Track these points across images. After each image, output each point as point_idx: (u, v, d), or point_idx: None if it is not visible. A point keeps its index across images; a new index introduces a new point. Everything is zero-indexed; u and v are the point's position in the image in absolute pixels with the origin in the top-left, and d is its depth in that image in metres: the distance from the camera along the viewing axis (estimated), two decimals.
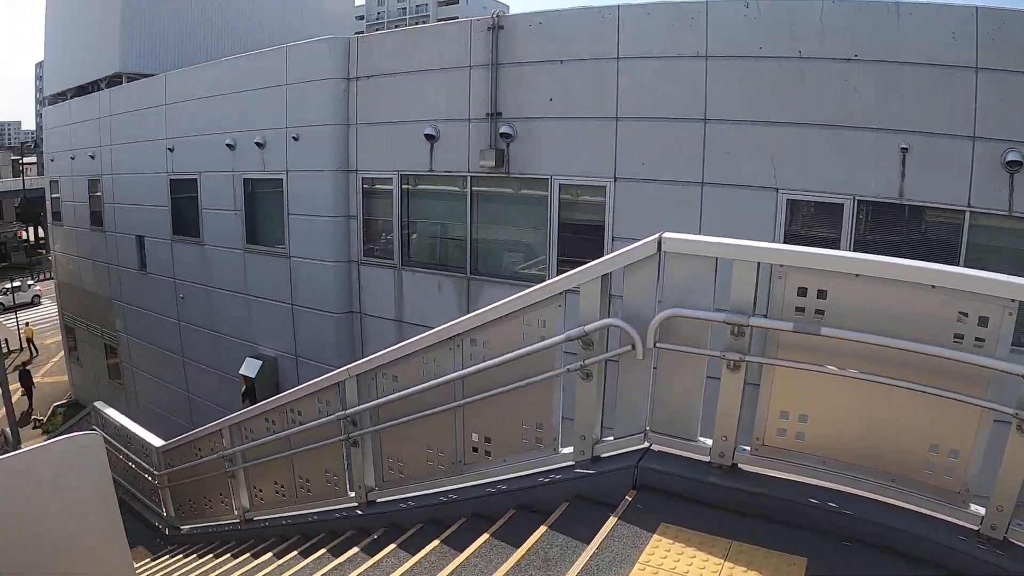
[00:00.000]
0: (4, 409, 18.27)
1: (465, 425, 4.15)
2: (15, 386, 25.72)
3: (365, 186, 11.81)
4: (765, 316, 2.90)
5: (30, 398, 25.59)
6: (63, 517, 1.53)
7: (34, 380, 26.49)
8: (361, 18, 23.26)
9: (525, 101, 9.95)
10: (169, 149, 15.83)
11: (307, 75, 12.39)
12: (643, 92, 8.89)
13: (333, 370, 4.76)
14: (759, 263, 2.87)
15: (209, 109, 14.78)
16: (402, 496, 4.74)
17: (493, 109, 10.03)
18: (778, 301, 2.87)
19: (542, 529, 3.32)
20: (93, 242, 20.35)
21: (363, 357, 4.78)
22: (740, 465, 3.13)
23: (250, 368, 13.85)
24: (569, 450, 3.73)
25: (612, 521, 3.02)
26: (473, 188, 10.58)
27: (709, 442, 3.20)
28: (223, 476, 6.83)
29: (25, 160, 58.11)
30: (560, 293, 3.51)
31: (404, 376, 4.40)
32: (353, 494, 5.16)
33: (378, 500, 4.95)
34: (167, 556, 7.80)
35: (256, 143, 13.01)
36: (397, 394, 4.42)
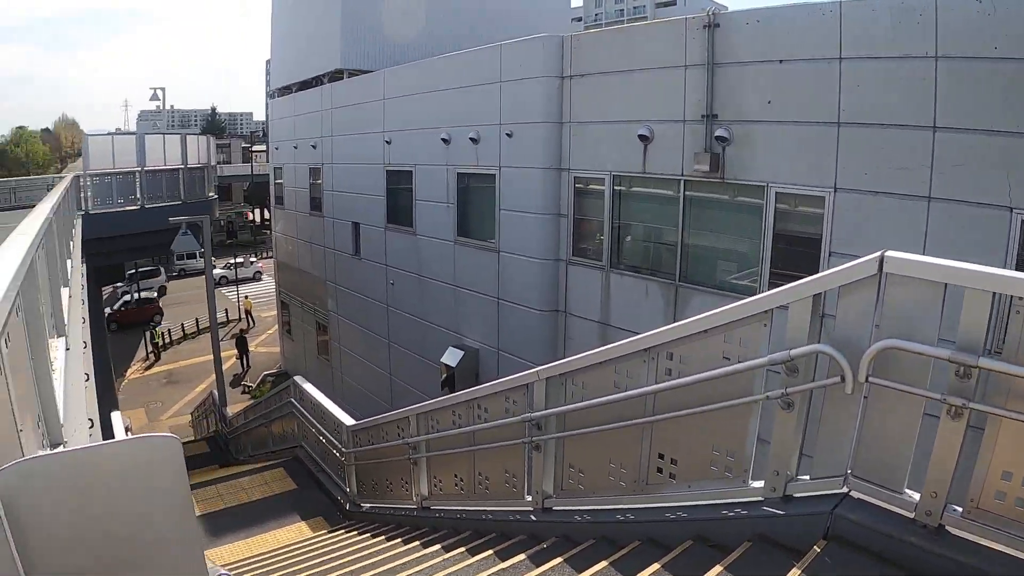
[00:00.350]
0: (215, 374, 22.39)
1: (652, 443, 4.40)
2: (231, 352, 31.82)
3: (577, 185, 13.18)
4: (998, 357, 2.79)
5: (244, 363, 31.69)
6: (131, 518, 1.72)
7: (249, 348, 32.45)
8: (579, 20, 25.40)
9: (742, 103, 10.55)
10: (387, 141, 18.66)
11: (521, 73, 13.91)
12: (866, 95, 9.17)
13: (533, 367, 5.34)
14: (995, 293, 2.78)
15: (425, 104, 17.09)
16: (578, 508, 5.11)
17: (708, 111, 10.84)
18: (1015, 340, 2.76)
19: (718, 569, 3.40)
20: (311, 226, 24.37)
21: (564, 356, 5.45)
22: (947, 527, 3.05)
23: (452, 357, 15.99)
24: (759, 484, 3.81)
25: (796, 573, 3.08)
26: (686, 192, 11.44)
27: (916, 496, 3.14)
28: (406, 462, 7.84)
29: (255, 148, 73.08)
30: (766, 311, 3.63)
31: (594, 384, 4.77)
32: (530, 498, 5.62)
33: (554, 508, 5.38)
34: (343, 531, 9.00)
35: (471, 138, 15.11)
36: (585, 402, 4.80)
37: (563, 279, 13.78)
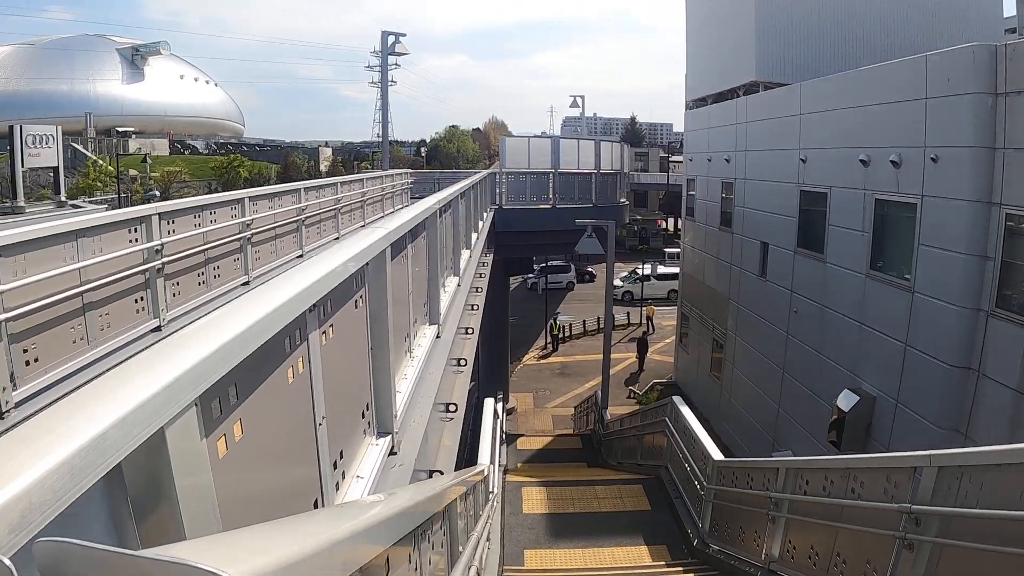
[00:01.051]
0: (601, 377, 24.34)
1: None
2: (628, 354, 35.24)
3: (1009, 223, 12.11)
4: None
5: (641, 363, 34.58)
6: None
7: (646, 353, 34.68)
8: (1012, 31, 22.56)
9: None
10: (801, 160, 18.69)
11: (947, 88, 13.11)
12: None
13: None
14: None
15: (842, 121, 16.83)
16: None
17: None
18: None
19: None
20: (719, 241, 25.44)
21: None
22: None
23: (845, 401, 15.61)
24: None
25: None
26: None
27: None
28: (764, 515, 7.85)
29: (672, 158, 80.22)
30: None
31: (1000, 487, 4.26)
32: None
33: None
34: (680, 570, 9.40)
35: (891, 161, 14.58)
36: (984, 511, 4.31)
37: (981, 332, 12.75)
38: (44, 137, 30.12)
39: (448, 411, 7.52)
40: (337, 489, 3.38)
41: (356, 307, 3.83)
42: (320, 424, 3.05)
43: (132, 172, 65.06)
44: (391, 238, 4.26)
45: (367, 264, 3.96)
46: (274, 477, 2.64)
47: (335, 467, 3.34)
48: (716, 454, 10.79)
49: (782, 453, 15.22)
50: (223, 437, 2.04)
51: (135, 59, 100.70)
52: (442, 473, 5.85)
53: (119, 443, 1.23)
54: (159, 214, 7.50)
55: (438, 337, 7.36)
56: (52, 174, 33.32)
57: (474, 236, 14.34)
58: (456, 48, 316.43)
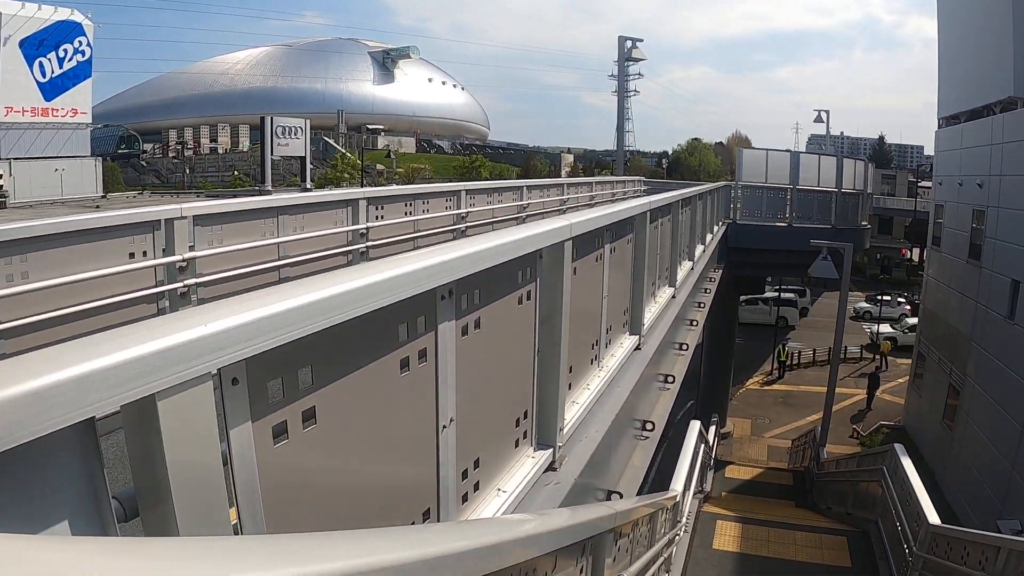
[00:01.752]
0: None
1: None
2: (857, 390, 32.55)
3: None
4: None
5: (869, 401, 31.53)
6: None
7: (876, 391, 31.82)
8: None
9: None
10: None
11: None
12: None
13: None
14: None
15: None
16: None
17: None
18: None
19: None
20: (966, 275, 22.74)
21: None
22: None
23: None
24: None
25: None
26: None
27: None
28: None
29: (921, 183, 72.69)
30: None
31: None
32: None
33: None
34: None
35: None
36: None
37: None
38: (293, 129, 32.60)
39: (644, 429, 6.96)
40: (464, 501, 2.94)
41: (520, 303, 3.40)
42: (446, 427, 2.64)
43: (379, 167, 69.52)
44: (572, 231, 3.72)
45: (540, 256, 3.44)
46: (365, 479, 2.27)
47: (464, 476, 2.92)
48: (932, 516, 9.65)
49: (1009, 523, 13.00)
50: (285, 423, 1.78)
51: (386, 62, 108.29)
52: (621, 496, 5.37)
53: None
54: (367, 199, 7.42)
55: (638, 349, 6.73)
56: (299, 163, 36.14)
57: (699, 248, 13.47)
58: (701, 60, 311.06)
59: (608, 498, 5.37)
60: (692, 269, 11.87)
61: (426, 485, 2.59)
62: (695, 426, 12.65)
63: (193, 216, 5.98)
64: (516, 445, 3.55)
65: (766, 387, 36.66)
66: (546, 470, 3.79)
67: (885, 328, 42.49)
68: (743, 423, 30.90)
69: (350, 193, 7.63)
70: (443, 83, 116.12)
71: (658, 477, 12.20)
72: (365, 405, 2.14)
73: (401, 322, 2.29)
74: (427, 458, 2.58)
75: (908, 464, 11.53)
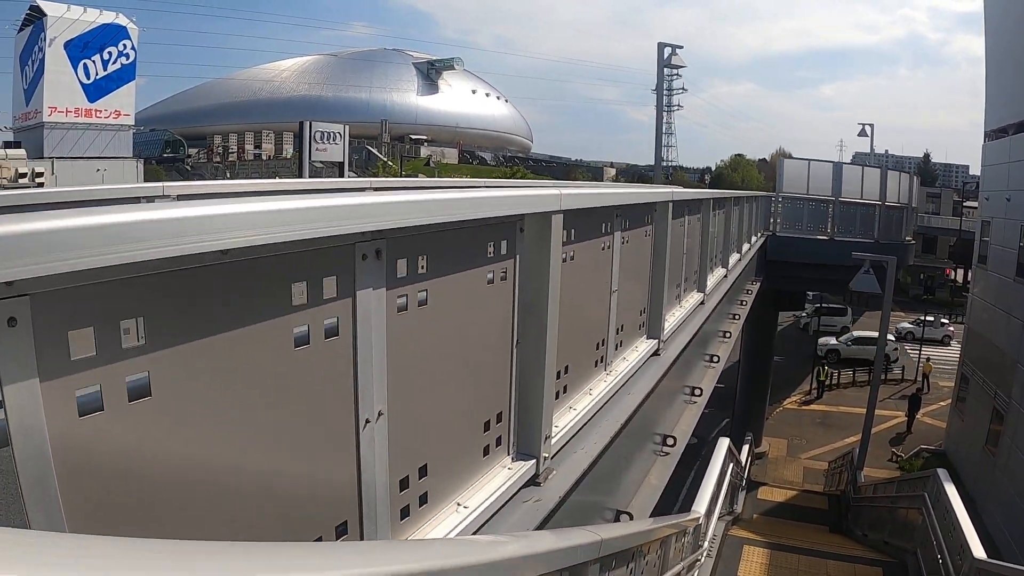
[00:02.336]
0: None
1: None
2: (897, 412, 31.57)
3: None
4: None
5: (910, 424, 30.47)
6: None
7: (917, 413, 30.79)
8: None
9: None
10: None
11: None
12: None
13: None
14: None
15: None
16: None
17: None
18: None
19: None
20: (1013, 294, 21.84)
21: None
22: None
23: None
24: None
25: None
26: None
27: None
28: None
29: (966, 203, 70.65)
30: None
31: None
32: None
33: None
34: None
35: None
36: None
37: None
38: (332, 134, 32.44)
39: (664, 444, 6.41)
40: (404, 517, 2.38)
41: (491, 283, 2.80)
42: (370, 421, 2.09)
43: (420, 176, 70.13)
44: (563, 203, 3.17)
45: (520, 229, 2.86)
46: (236, 480, 1.71)
47: (403, 486, 2.36)
48: (977, 549, 8.91)
49: None
50: (99, 390, 1.33)
51: (430, 73, 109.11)
52: (631, 517, 4.84)
53: None
54: (373, 188, 6.92)
55: (656, 354, 6.12)
56: (338, 169, 36.07)
57: (734, 257, 12.86)
58: (745, 75, 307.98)
59: (616, 519, 4.78)
60: (725, 277, 11.28)
61: (340, 493, 2.05)
62: (723, 444, 12.02)
63: (177, 195, 5.61)
64: (486, 453, 2.96)
65: (804, 407, 35.62)
66: (526, 484, 3.20)
67: (829, 340, 42.81)
68: (779, 443, 30.04)
69: (356, 182, 7.18)
70: (486, 95, 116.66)
71: (689, 497, 11.54)
72: (233, 383, 1.63)
73: (296, 279, 1.75)
74: (341, 459, 2.04)
75: (952, 491, 10.76)
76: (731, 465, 12.41)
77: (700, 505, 9.01)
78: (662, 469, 6.21)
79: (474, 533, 2.66)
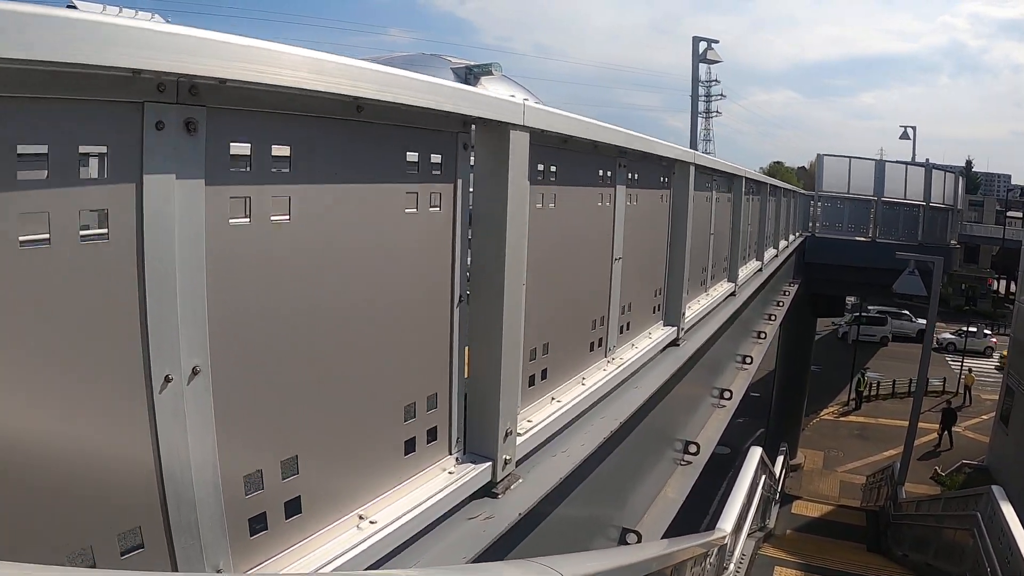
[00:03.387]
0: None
1: None
2: (934, 425, 30.07)
3: None
4: None
5: (948, 440, 29.40)
6: None
7: (955, 427, 29.79)
8: None
9: None
10: None
11: None
12: None
13: None
14: None
15: None
16: None
17: None
18: None
19: None
20: None
21: None
22: None
23: None
24: None
25: None
26: None
27: None
28: None
29: (1010, 213, 68.85)
30: None
31: None
32: None
33: None
34: None
35: None
36: None
37: None
38: None
39: (685, 452, 5.71)
40: (256, 532, 1.63)
41: (414, 206, 1.95)
42: (171, 380, 1.37)
43: None
44: (527, 117, 2.41)
45: (464, 146, 2.09)
46: None
47: (253, 488, 1.63)
48: None
49: None
50: None
51: (468, 78, 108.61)
52: (639, 537, 4.10)
53: None
54: None
55: (675, 344, 5.31)
56: None
57: (769, 251, 12.00)
58: (784, 84, 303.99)
59: (622, 539, 4.07)
60: (760, 271, 10.43)
61: (122, 486, 1.33)
62: (755, 454, 11.15)
63: None
64: (409, 451, 2.16)
65: (841, 418, 34.47)
66: (475, 495, 2.38)
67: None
68: (815, 455, 28.96)
69: None
70: (525, 100, 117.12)
71: (719, 512, 10.64)
72: None
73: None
74: (117, 433, 1.32)
75: (1010, 511, 9.89)
76: (764, 477, 11.51)
77: (726, 522, 8.22)
78: (682, 480, 5.48)
79: (378, 562, 1.84)
